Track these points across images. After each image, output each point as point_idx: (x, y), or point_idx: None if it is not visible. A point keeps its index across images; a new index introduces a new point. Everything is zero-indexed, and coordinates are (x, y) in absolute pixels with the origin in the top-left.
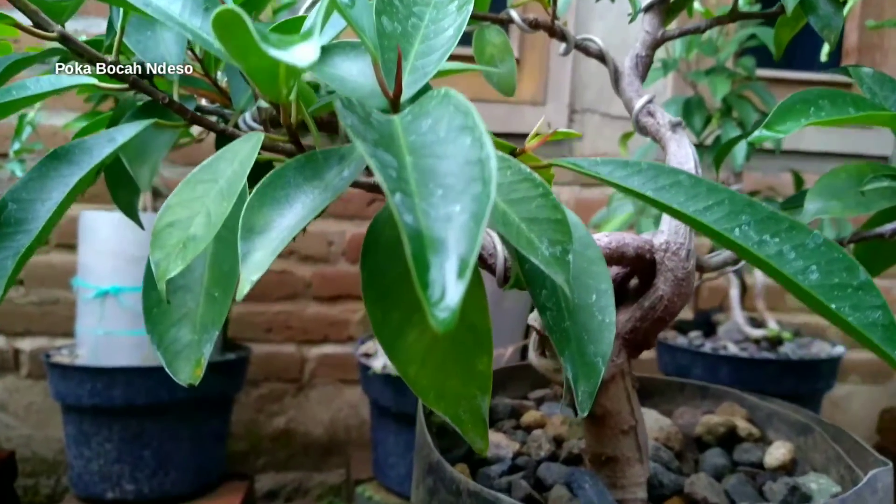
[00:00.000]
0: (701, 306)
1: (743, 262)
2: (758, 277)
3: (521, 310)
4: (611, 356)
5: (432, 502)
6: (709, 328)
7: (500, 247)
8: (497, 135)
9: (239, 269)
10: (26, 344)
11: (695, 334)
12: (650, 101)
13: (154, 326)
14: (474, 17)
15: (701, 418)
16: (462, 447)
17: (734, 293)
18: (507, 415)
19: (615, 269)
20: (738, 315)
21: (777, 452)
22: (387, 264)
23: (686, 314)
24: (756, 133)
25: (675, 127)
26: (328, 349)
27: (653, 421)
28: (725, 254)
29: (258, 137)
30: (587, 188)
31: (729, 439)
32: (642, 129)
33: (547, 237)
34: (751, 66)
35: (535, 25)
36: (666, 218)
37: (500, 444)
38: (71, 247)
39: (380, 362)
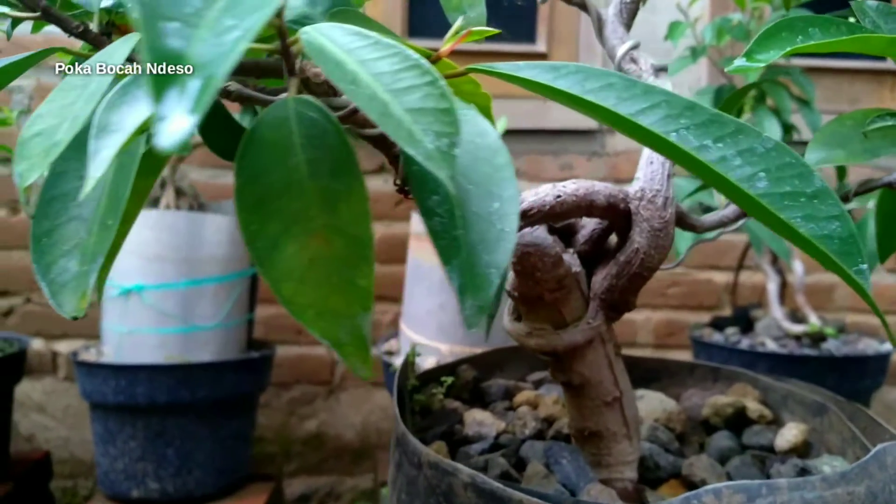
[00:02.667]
0: (740, 302)
1: (744, 221)
2: (797, 271)
3: None
4: (586, 318)
5: (398, 476)
6: (747, 324)
7: None
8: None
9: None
10: (63, 346)
11: (731, 331)
12: (634, 48)
13: (41, 257)
14: None
15: (701, 402)
16: (442, 425)
17: (772, 287)
18: (500, 396)
19: (592, 223)
20: (776, 310)
21: (788, 434)
22: (268, 169)
23: (724, 310)
24: (736, 63)
25: (657, 72)
26: None
27: (657, 402)
28: (723, 212)
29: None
30: (620, 184)
31: (738, 421)
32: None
33: (433, 129)
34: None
35: None
36: (642, 164)
37: (484, 422)
38: None
39: (400, 360)
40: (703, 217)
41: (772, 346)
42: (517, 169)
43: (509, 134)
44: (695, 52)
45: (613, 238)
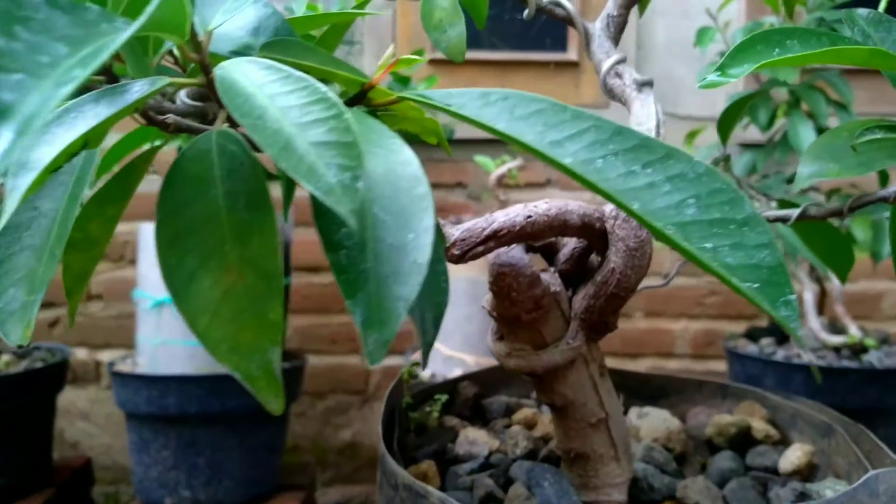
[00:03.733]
0: None
1: None
2: (835, 280)
3: None
4: (566, 338)
5: (380, 496)
6: (782, 335)
7: None
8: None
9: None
10: (106, 356)
11: (766, 341)
12: (619, 62)
13: None
14: None
15: (706, 421)
16: (433, 444)
17: (808, 297)
18: (501, 413)
19: (572, 242)
20: (813, 321)
21: (792, 456)
22: (189, 202)
23: (763, 320)
24: (708, 77)
25: (641, 86)
26: (391, 361)
27: (660, 421)
28: None
29: None
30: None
31: (743, 441)
32: (609, 92)
33: (336, 163)
34: None
35: None
36: None
37: (477, 441)
38: None
39: (427, 371)
40: None
41: (809, 357)
42: (549, 178)
43: None
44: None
45: (596, 256)
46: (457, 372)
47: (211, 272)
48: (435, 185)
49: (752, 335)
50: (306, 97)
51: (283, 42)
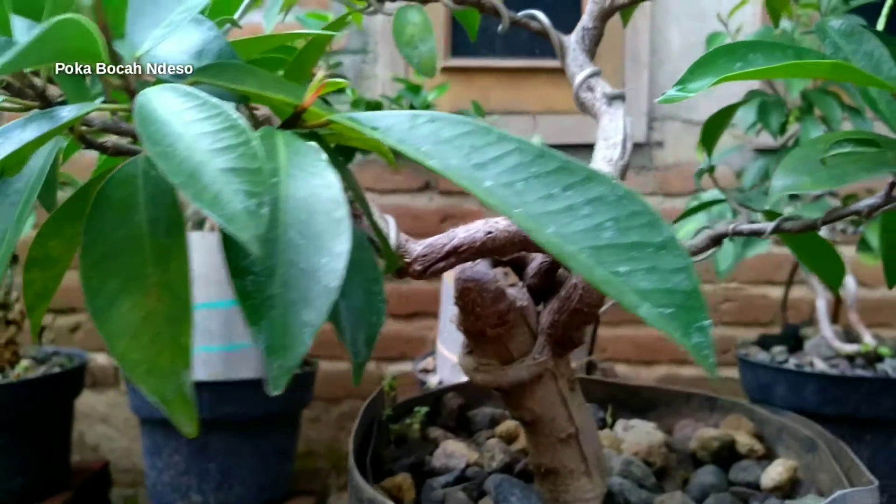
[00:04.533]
0: (793, 320)
1: (714, 251)
2: (849, 287)
3: None
4: (532, 354)
5: None
6: (796, 343)
7: (393, 231)
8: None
9: None
10: None
11: (778, 349)
12: (592, 76)
13: None
14: None
15: (692, 434)
16: (411, 456)
17: (821, 304)
18: (485, 425)
19: (540, 256)
20: (825, 328)
21: (773, 472)
22: (114, 226)
23: (773, 328)
24: (667, 93)
25: (611, 100)
26: (405, 366)
27: (643, 434)
28: (691, 242)
29: None
30: (670, 198)
31: (727, 455)
32: (581, 105)
33: (244, 190)
34: None
35: (460, 2)
36: None
37: (455, 453)
38: None
39: (435, 378)
40: None
41: (821, 366)
42: None
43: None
44: None
45: (564, 271)
46: (464, 380)
47: (132, 295)
48: (447, 193)
49: (764, 343)
50: (219, 124)
51: (220, 66)
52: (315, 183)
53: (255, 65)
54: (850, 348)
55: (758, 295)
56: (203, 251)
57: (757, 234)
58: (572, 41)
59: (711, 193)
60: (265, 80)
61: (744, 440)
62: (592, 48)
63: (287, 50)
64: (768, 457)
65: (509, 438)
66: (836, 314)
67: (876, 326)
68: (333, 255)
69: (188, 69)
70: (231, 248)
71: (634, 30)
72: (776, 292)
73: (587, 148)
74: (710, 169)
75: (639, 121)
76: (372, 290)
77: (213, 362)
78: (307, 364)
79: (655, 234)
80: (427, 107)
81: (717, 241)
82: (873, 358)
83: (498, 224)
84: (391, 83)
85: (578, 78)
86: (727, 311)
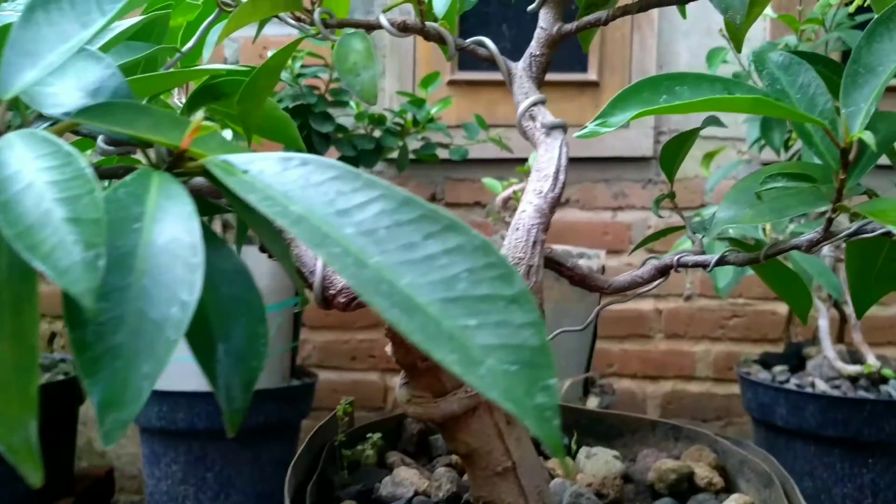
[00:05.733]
0: (801, 337)
1: (660, 281)
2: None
3: (580, 340)
4: (465, 386)
5: None
6: (799, 362)
7: (319, 262)
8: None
9: None
10: None
11: (780, 369)
12: (535, 104)
13: None
14: (339, 25)
15: (652, 464)
16: (360, 484)
17: (823, 324)
18: (445, 450)
19: None
20: (827, 348)
21: None
22: None
23: (776, 346)
24: (588, 127)
25: (550, 130)
26: None
27: (602, 463)
28: (636, 273)
29: None
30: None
31: (686, 488)
32: (524, 134)
33: (84, 240)
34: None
35: (404, 29)
36: (510, 230)
37: (404, 481)
38: None
39: None
40: (616, 277)
41: (823, 386)
42: (569, 198)
43: None
44: (738, 79)
45: None
46: None
47: None
48: (453, 205)
49: (766, 361)
50: (69, 172)
51: (105, 106)
52: (178, 227)
53: (217, 87)
54: (852, 369)
55: (766, 311)
56: None
57: (702, 266)
58: (519, 68)
59: (711, 209)
60: (157, 119)
61: (703, 472)
62: (540, 75)
63: (241, 73)
64: (728, 490)
65: (462, 467)
66: (841, 333)
67: (885, 346)
68: (184, 304)
69: (69, 111)
70: (71, 299)
71: (642, 44)
72: (785, 308)
73: (595, 161)
74: (671, 195)
75: (646, 135)
76: (255, 332)
77: None
78: (307, 375)
79: (507, 286)
80: (430, 120)
81: (663, 272)
82: (877, 379)
83: None
84: (399, 96)
85: (522, 106)
86: (734, 327)
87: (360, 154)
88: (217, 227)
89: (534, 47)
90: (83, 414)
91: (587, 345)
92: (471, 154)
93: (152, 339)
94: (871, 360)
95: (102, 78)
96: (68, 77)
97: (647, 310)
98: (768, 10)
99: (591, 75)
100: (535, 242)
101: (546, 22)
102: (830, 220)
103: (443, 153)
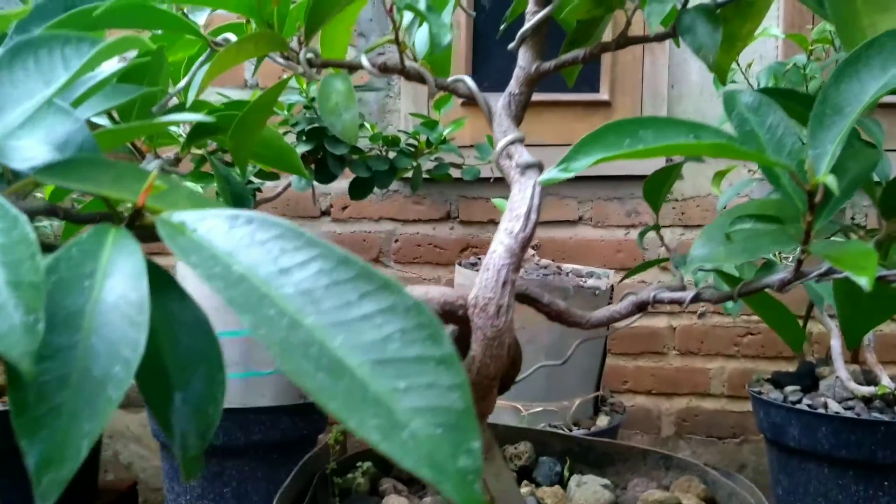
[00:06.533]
0: (817, 354)
1: (638, 317)
2: None
3: (590, 359)
4: None
5: None
6: (812, 382)
7: None
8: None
9: None
10: None
11: (791, 388)
12: (513, 143)
13: None
14: (323, 65)
15: (641, 493)
16: None
17: (835, 343)
18: None
19: (450, 326)
20: (840, 368)
21: None
22: None
23: (791, 364)
24: (547, 174)
25: (525, 169)
26: None
27: (591, 493)
28: (614, 308)
29: None
30: (689, 230)
31: None
32: (501, 172)
33: (24, 304)
34: None
35: (384, 70)
36: (480, 270)
37: None
38: None
39: None
40: (593, 313)
41: (836, 407)
42: (581, 216)
43: (574, 181)
44: None
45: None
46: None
47: None
48: (467, 223)
49: (778, 380)
50: (15, 237)
51: (70, 162)
52: (127, 285)
53: (215, 122)
54: (865, 390)
55: None
56: None
57: (678, 302)
58: (499, 107)
59: None
60: (120, 173)
61: None
62: (519, 113)
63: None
64: None
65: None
66: (855, 352)
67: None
68: (125, 362)
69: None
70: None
71: (654, 64)
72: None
73: (608, 179)
74: (656, 227)
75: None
76: (214, 380)
77: (230, 390)
78: None
79: (437, 347)
80: (443, 141)
81: (640, 307)
82: (891, 400)
83: None
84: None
85: (499, 144)
86: (749, 344)
87: (375, 175)
88: None
89: (513, 86)
90: (108, 427)
91: (597, 363)
92: (484, 173)
93: (94, 397)
94: (886, 381)
95: (70, 132)
96: (38, 131)
97: (661, 327)
98: (777, 30)
99: (604, 95)
100: (504, 282)
101: (525, 61)
102: (800, 262)
103: (456, 172)
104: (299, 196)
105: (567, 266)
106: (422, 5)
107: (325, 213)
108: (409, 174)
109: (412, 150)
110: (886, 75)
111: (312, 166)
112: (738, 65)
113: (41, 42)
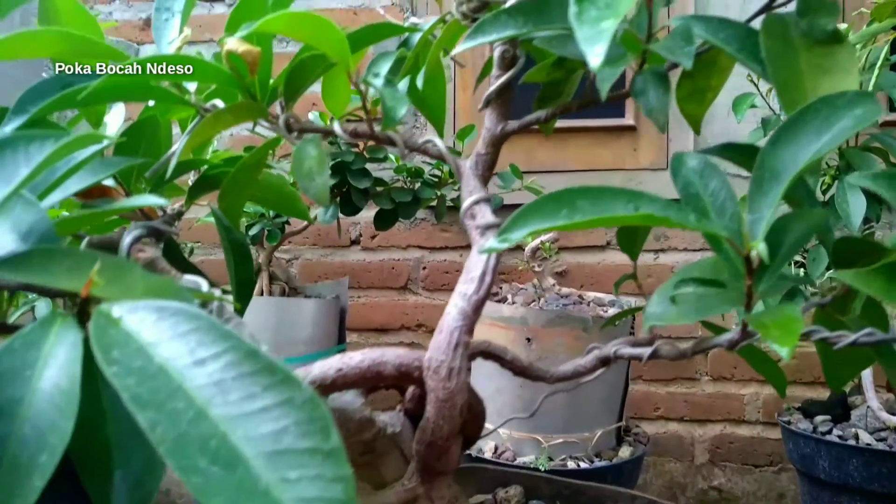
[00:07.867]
0: (849, 384)
1: (601, 371)
2: None
3: (612, 388)
4: (403, 479)
5: None
6: (843, 411)
7: None
8: None
9: None
10: None
11: (821, 418)
12: (477, 202)
13: None
14: (301, 130)
15: None
16: None
17: (866, 372)
18: None
19: (411, 389)
20: (871, 398)
21: None
22: None
23: (826, 390)
24: (487, 244)
25: (485, 230)
26: None
27: None
28: (578, 362)
29: None
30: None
31: None
32: (467, 231)
33: None
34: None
35: (355, 135)
36: (436, 332)
37: None
38: None
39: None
40: (558, 367)
41: (867, 438)
42: (610, 241)
43: None
44: (766, 125)
45: None
46: (490, 445)
47: None
48: None
49: (808, 409)
50: None
51: (26, 254)
52: (61, 374)
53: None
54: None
55: (815, 353)
56: (251, 314)
57: (637, 358)
58: (467, 167)
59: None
60: (76, 262)
61: None
62: (486, 173)
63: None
64: None
65: None
66: (887, 382)
67: None
68: (51, 450)
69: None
70: None
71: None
72: None
73: None
74: (633, 276)
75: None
76: (155, 454)
77: None
78: None
79: (326, 440)
80: None
81: (605, 361)
82: None
83: (351, 360)
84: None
85: (465, 204)
86: (784, 368)
87: (398, 206)
88: (264, 281)
89: (479, 146)
90: None
91: (619, 393)
92: (508, 200)
93: (19, 485)
94: None
95: (34, 221)
96: (5, 223)
97: None
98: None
99: (629, 120)
100: (457, 345)
101: (490, 122)
102: (745, 325)
103: None
104: (330, 227)
105: (589, 294)
106: (379, 82)
107: (356, 241)
108: (434, 203)
109: (436, 180)
110: (819, 141)
111: (338, 199)
112: (758, 89)
113: (7, 143)
